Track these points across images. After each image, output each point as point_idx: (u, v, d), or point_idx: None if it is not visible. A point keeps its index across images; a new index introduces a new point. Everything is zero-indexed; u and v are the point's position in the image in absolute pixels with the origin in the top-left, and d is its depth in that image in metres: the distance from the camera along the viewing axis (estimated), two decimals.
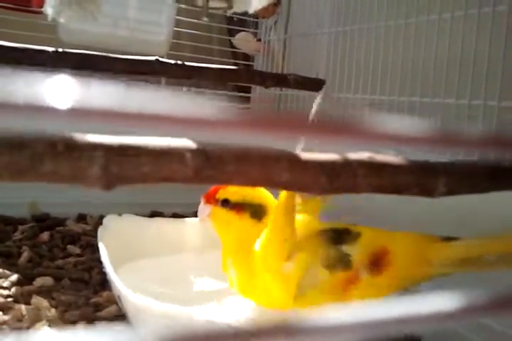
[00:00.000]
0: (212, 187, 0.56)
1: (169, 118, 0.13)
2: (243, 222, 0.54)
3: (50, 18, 0.71)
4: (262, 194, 0.55)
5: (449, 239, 0.48)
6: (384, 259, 0.48)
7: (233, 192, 0.55)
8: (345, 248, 0.48)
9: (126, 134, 0.22)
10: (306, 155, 0.26)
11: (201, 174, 0.23)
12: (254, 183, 0.25)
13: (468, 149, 0.16)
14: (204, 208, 0.56)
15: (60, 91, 0.13)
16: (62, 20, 0.71)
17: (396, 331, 0.15)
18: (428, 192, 0.30)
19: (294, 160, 0.26)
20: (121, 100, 0.13)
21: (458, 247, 0.47)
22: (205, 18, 0.89)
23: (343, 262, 0.48)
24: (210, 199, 0.55)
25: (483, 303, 0.15)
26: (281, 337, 0.13)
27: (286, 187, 0.26)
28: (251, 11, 0.86)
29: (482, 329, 0.55)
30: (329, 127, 0.14)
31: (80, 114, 0.13)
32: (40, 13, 0.76)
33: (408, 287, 0.48)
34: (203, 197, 0.56)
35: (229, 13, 0.93)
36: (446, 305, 0.15)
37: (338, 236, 0.49)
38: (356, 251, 0.48)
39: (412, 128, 0.15)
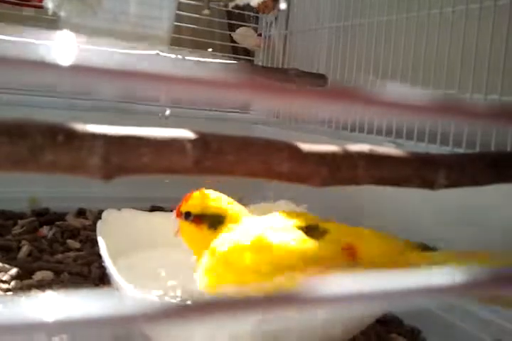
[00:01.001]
0: (182, 201, 0.57)
1: (171, 77, 0.13)
2: (202, 232, 0.55)
3: (50, 12, 0.71)
4: (221, 203, 0.57)
5: (426, 248, 0.48)
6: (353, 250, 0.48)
7: (194, 204, 0.56)
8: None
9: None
10: (307, 147, 0.26)
11: (201, 164, 0.23)
12: (254, 174, 0.24)
13: (473, 119, 0.16)
14: (175, 222, 0.58)
15: (62, 48, 0.13)
16: (62, 14, 0.71)
17: (400, 303, 0.15)
18: (429, 184, 0.30)
19: (294, 152, 0.26)
20: (123, 60, 0.13)
21: (433, 259, 0.46)
22: (206, 11, 0.89)
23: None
24: (178, 213, 0.57)
25: (484, 278, 0.15)
26: (285, 306, 0.13)
27: (286, 179, 0.25)
28: (253, 3, 0.85)
29: (481, 323, 0.55)
30: (333, 92, 0.14)
31: (82, 71, 0.13)
32: (41, 7, 0.76)
33: None
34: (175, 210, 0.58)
35: (230, 6, 0.92)
36: (449, 279, 0.15)
37: (307, 232, 0.50)
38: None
39: (417, 97, 0.15)
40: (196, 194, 0.58)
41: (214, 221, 0.55)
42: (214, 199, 0.57)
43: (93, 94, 0.93)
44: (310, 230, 0.50)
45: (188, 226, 0.56)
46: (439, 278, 0.15)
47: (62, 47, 0.13)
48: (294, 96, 0.14)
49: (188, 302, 0.12)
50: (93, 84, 0.14)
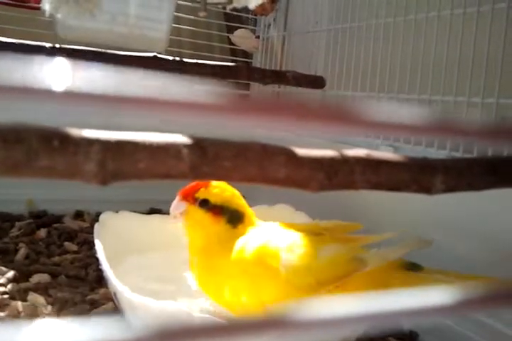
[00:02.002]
0: (191, 184, 0.54)
1: (166, 102, 0.13)
2: (218, 225, 0.53)
3: (47, 14, 0.71)
4: (241, 201, 0.55)
5: (413, 266, 0.49)
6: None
7: (214, 193, 0.53)
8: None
9: (122, 128, 0.22)
10: (303, 152, 0.26)
11: (197, 170, 0.23)
12: (251, 179, 0.24)
13: (467, 139, 0.16)
14: (179, 205, 0.54)
15: (57, 74, 0.13)
16: (59, 16, 0.71)
17: (391, 324, 0.14)
18: (426, 189, 0.30)
19: (291, 157, 0.25)
20: (118, 85, 0.13)
21: (420, 280, 0.47)
22: (203, 13, 0.88)
23: None
24: (188, 197, 0.54)
25: (479, 298, 0.15)
26: (274, 330, 0.13)
27: (283, 184, 0.25)
28: (251, 6, 0.85)
29: (478, 326, 0.55)
30: (327, 114, 0.14)
31: (75, 98, 0.12)
32: (38, 9, 0.76)
33: None
34: (179, 192, 0.54)
35: (228, 8, 0.92)
36: (442, 298, 0.15)
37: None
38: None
39: (411, 117, 0.15)
40: (216, 183, 0.54)
41: (234, 217, 0.53)
42: (235, 194, 0.54)
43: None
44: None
45: (201, 215, 0.53)
46: (433, 298, 0.15)
47: (56, 74, 0.13)
48: (282, 117, 0.14)
49: (173, 327, 0.12)
50: (86, 110, 0.14)
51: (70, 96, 0.12)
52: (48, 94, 0.12)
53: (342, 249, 0.48)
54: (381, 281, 0.47)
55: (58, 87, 0.13)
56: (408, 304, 0.14)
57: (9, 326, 0.12)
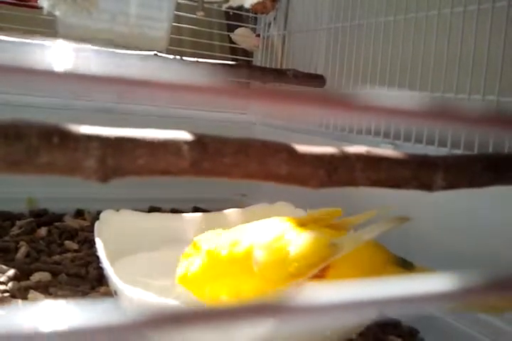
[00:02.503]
0: None
1: (165, 84, 0.13)
2: None
3: (45, 12, 0.71)
4: None
5: (405, 263, 0.49)
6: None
7: None
8: None
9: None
10: (304, 149, 0.26)
11: (198, 166, 0.23)
12: (251, 176, 0.24)
13: (468, 126, 0.16)
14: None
15: (58, 55, 0.13)
16: (57, 13, 0.71)
17: (392, 311, 0.14)
18: (426, 186, 0.30)
19: (292, 154, 0.25)
20: (119, 67, 0.13)
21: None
22: (201, 13, 0.88)
23: None
24: None
25: (480, 285, 0.15)
26: (268, 316, 0.13)
27: (284, 181, 0.25)
28: (246, 5, 0.85)
29: (478, 324, 0.55)
30: (326, 100, 0.14)
31: (76, 79, 0.12)
32: (39, 7, 0.76)
33: None
34: None
35: (224, 7, 0.92)
36: (442, 285, 0.15)
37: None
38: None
39: (411, 102, 0.15)
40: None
41: None
42: None
43: (88, 98, 0.93)
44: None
45: None
46: (434, 285, 0.15)
47: (58, 53, 0.13)
48: (287, 102, 0.14)
49: (175, 311, 0.12)
50: (88, 90, 0.14)
51: (70, 78, 0.12)
52: (49, 74, 0.12)
53: (314, 237, 0.48)
54: (370, 275, 0.47)
55: (59, 67, 0.12)
56: (405, 291, 0.14)
57: (9, 309, 0.12)
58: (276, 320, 0.13)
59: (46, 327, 0.12)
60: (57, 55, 0.13)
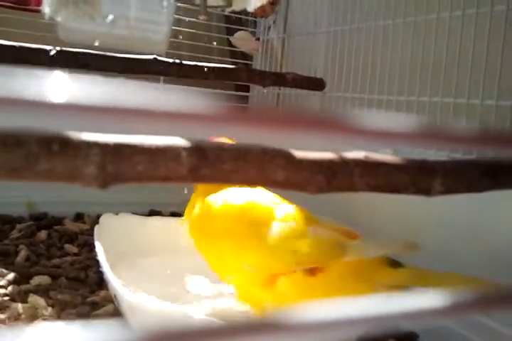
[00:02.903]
0: None
1: (166, 114, 0.13)
2: None
3: (47, 17, 0.71)
4: None
5: (395, 263, 0.49)
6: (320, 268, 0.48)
7: None
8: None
9: (123, 132, 0.22)
10: (302, 154, 0.26)
11: (197, 173, 0.23)
12: (250, 182, 0.24)
13: (464, 146, 0.16)
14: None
15: (56, 87, 0.13)
16: (59, 19, 0.71)
17: (387, 326, 0.15)
18: (425, 191, 0.30)
19: (290, 159, 0.26)
20: (117, 97, 0.13)
21: (401, 276, 0.48)
22: (203, 17, 0.89)
23: None
24: None
25: (475, 301, 0.15)
26: (270, 334, 0.13)
27: (282, 186, 0.25)
28: (250, 9, 0.85)
29: (478, 328, 0.55)
30: (323, 123, 0.14)
31: (75, 110, 0.13)
32: (39, 11, 0.76)
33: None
34: None
35: (227, 11, 0.92)
36: (438, 301, 0.15)
37: None
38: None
39: (407, 125, 0.15)
40: None
41: None
42: None
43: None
44: None
45: None
46: (424, 301, 0.15)
47: (54, 86, 0.13)
48: (273, 127, 0.14)
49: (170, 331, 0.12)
50: (82, 121, 0.14)
51: (68, 108, 0.12)
52: (46, 106, 0.12)
53: (330, 234, 0.49)
54: (361, 273, 0.48)
55: (56, 98, 0.13)
56: (403, 306, 0.14)
57: (10, 330, 0.12)
58: (278, 338, 0.13)
59: None
60: (54, 85, 0.13)
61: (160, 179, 0.23)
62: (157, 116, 0.13)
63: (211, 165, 0.23)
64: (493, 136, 0.15)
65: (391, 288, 0.47)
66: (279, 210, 0.50)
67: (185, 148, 0.23)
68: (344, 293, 0.47)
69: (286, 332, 0.13)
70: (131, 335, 0.12)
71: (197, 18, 0.97)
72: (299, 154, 0.26)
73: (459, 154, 0.63)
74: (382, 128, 0.14)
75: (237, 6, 0.87)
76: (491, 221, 0.59)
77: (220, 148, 0.24)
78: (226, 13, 1.09)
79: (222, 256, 0.51)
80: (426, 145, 0.16)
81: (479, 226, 0.60)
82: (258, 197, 0.51)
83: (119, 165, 0.22)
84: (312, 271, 0.48)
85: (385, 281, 0.47)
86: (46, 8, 0.69)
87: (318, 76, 0.96)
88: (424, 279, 0.47)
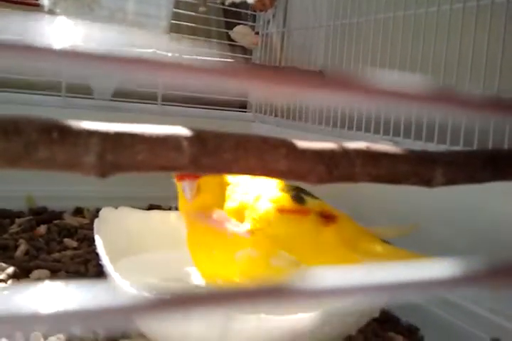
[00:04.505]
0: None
1: (167, 63, 0.13)
2: None
3: (46, 9, 0.71)
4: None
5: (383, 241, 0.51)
6: (332, 217, 0.51)
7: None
8: (304, 196, 0.53)
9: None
10: (304, 144, 0.26)
11: (198, 162, 0.23)
12: (251, 172, 0.24)
13: (469, 110, 0.16)
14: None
15: (59, 32, 0.13)
16: (58, 11, 0.70)
17: (397, 296, 0.14)
18: (426, 182, 0.30)
19: (291, 149, 0.25)
20: (119, 45, 0.13)
21: (384, 250, 0.50)
22: (203, 8, 0.88)
23: (299, 198, 0.53)
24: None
25: (484, 272, 0.15)
26: (275, 298, 0.13)
27: (283, 176, 0.25)
28: (250, 0, 0.85)
29: (479, 321, 0.55)
30: (331, 82, 0.14)
31: (77, 56, 0.12)
32: (38, 5, 0.76)
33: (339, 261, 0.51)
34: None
35: (227, 3, 0.92)
36: (449, 271, 0.15)
37: (301, 190, 0.54)
38: (311, 201, 0.53)
39: (415, 85, 0.15)
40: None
41: None
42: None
43: (91, 91, 0.93)
44: (305, 191, 0.54)
45: None
46: (438, 271, 0.15)
47: (58, 32, 0.13)
48: (291, 85, 0.14)
49: (176, 294, 0.12)
50: (90, 70, 0.14)
51: (72, 55, 0.12)
52: (49, 52, 0.12)
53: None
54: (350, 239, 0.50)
55: (60, 44, 0.12)
56: (411, 277, 0.14)
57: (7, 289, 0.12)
58: (284, 304, 0.13)
59: (45, 308, 0.12)
60: (58, 31, 0.13)
61: (160, 168, 0.23)
62: (158, 65, 0.13)
63: (212, 154, 0.23)
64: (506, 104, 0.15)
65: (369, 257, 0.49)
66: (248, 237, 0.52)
67: (186, 138, 0.23)
68: (342, 242, 0.50)
69: (295, 296, 0.13)
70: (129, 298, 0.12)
71: (196, 12, 0.96)
72: (301, 144, 0.26)
73: (459, 147, 0.63)
74: (397, 88, 0.14)
75: None
76: (490, 206, 0.59)
77: (221, 137, 0.24)
78: (225, 7, 1.09)
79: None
80: (441, 108, 0.16)
81: (481, 216, 0.60)
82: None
83: (119, 154, 0.22)
84: (326, 219, 0.51)
85: (367, 250, 0.49)
86: (45, 1, 0.69)
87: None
88: (405, 258, 0.48)
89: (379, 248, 0.50)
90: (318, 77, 0.14)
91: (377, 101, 0.15)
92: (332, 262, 0.50)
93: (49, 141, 0.20)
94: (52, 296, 0.12)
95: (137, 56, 0.13)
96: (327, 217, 0.51)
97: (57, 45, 0.12)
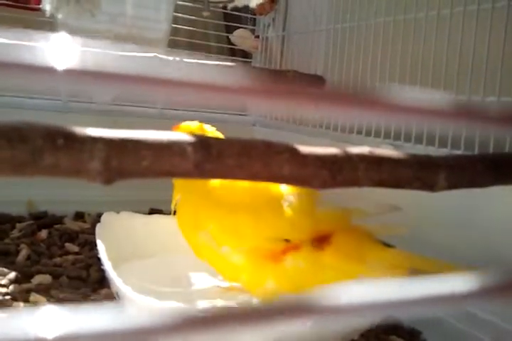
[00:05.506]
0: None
1: (170, 81, 0.13)
2: None
3: (48, 14, 0.71)
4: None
5: (386, 245, 0.50)
6: (326, 238, 0.50)
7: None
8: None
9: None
10: (307, 150, 0.26)
11: (202, 168, 0.23)
12: (255, 177, 0.24)
13: (487, 124, 0.16)
14: None
15: (61, 51, 0.13)
16: (60, 16, 0.71)
17: (407, 312, 0.14)
18: (429, 186, 0.30)
19: (295, 154, 0.25)
20: (122, 63, 0.13)
21: (391, 255, 0.49)
22: (207, 13, 0.89)
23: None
24: None
25: (496, 286, 0.15)
26: (296, 317, 0.13)
27: (287, 181, 0.25)
28: (252, 4, 0.85)
29: (481, 324, 0.55)
30: (345, 97, 0.14)
31: (80, 75, 0.12)
32: (39, 9, 0.76)
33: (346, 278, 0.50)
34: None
35: (229, 7, 0.92)
36: (460, 287, 0.15)
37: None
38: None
39: (430, 101, 0.15)
40: (194, 127, 0.57)
41: None
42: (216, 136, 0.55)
43: (91, 97, 0.93)
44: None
45: None
46: (452, 286, 0.15)
47: (59, 50, 0.13)
48: (295, 100, 0.14)
49: (199, 312, 0.12)
50: (91, 87, 0.14)
51: (75, 75, 0.12)
52: (51, 71, 0.12)
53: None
54: (358, 250, 0.49)
55: (62, 64, 0.12)
56: (426, 291, 0.14)
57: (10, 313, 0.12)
58: (307, 321, 0.13)
59: (49, 332, 0.12)
60: (58, 50, 0.13)
61: (165, 174, 0.23)
62: (161, 83, 0.13)
63: (216, 160, 0.23)
64: None
65: (387, 268, 0.48)
66: (285, 187, 0.51)
67: (190, 143, 0.23)
68: (347, 270, 0.49)
69: (312, 314, 0.13)
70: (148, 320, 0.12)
71: (197, 16, 0.97)
72: (304, 149, 0.26)
73: (460, 151, 0.63)
74: (418, 105, 0.14)
75: (239, 2, 0.87)
76: (489, 210, 0.59)
77: (225, 143, 0.24)
78: (225, 11, 1.09)
79: (236, 230, 0.50)
80: (460, 124, 0.16)
81: (480, 219, 0.60)
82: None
83: (124, 161, 0.22)
84: (320, 243, 0.49)
85: (374, 258, 0.49)
86: (47, 6, 0.69)
87: (319, 74, 0.96)
88: (414, 261, 0.48)
89: (384, 254, 0.49)
90: (324, 92, 0.14)
91: (385, 117, 0.15)
92: (342, 280, 0.49)
93: (54, 148, 0.20)
94: (60, 318, 0.12)
95: (137, 74, 0.13)
96: (321, 241, 0.49)
97: (57, 63, 0.13)
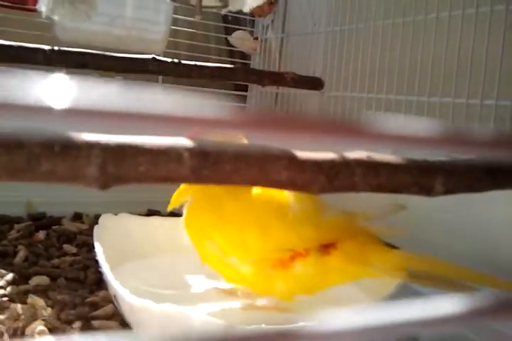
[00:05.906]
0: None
1: (167, 117, 0.13)
2: None
3: (44, 16, 0.71)
4: None
5: (390, 246, 0.50)
6: (334, 243, 0.50)
7: None
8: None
9: (125, 133, 0.22)
10: (304, 155, 0.26)
11: (198, 173, 0.23)
12: (252, 183, 0.24)
13: (478, 151, 0.16)
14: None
15: (56, 90, 0.13)
16: (55, 17, 0.71)
17: (401, 334, 0.14)
18: (426, 191, 0.30)
19: (292, 160, 0.25)
20: (117, 100, 0.13)
21: (396, 256, 0.49)
22: (198, 17, 0.89)
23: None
24: None
25: (489, 306, 0.15)
26: None
27: (284, 187, 0.25)
28: (245, 9, 0.85)
29: (479, 328, 0.55)
30: (332, 127, 0.14)
31: (76, 114, 0.12)
32: (36, 10, 0.76)
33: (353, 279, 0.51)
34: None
35: (223, 11, 0.92)
36: (452, 307, 0.15)
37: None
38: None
39: (417, 128, 0.15)
40: None
41: None
42: None
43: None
44: None
45: None
46: (446, 307, 0.15)
47: (54, 90, 0.13)
48: (292, 131, 0.14)
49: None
50: (87, 126, 0.14)
51: (70, 113, 0.12)
52: (48, 111, 0.12)
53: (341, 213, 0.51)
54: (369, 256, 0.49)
55: (58, 103, 0.12)
56: (418, 314, 0.14)
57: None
58: None
59: None
60: (53, 88, 0.13)
61: (162, 180, 0.23)
62: (159, 120, 0.13)
63: (213, 165, 0.23)
64: None
65: (392, 269, 0.48)
66: (289, 194, 0.51)
67: (186, 149, 0.23)
68: (353, 272, 0.49)
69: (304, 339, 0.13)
70: None
71: (193, 18, 0.97)
72: (301, 154, 0.26)
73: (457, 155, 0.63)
74: (401, 133, 0.14)
75: (233, 7, 0.87)
76: (489, 214, 0.59)
77: (222, 149, 0.24)
78: (224, 13, 1.09)
79: (242, 243, 0.50)
80: (448, 150, 0.16)
81: (479, 222, 0.60)
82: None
83: (120, 166, 0.22)
84: (327, 248, 0.49)
85: (379, 259, 0.49)
86: (43, 7, 0.69)
87: (317, 76, 0.96)
88: (420, 263, 0.48)
89: (388, 256, 0.49)
90: (319, 123, 0.14)
91: (383, 146, 0.15)
92: (348, 282, 0.50)
93: (51, 155, 0.20)
94: None
95: (135, 111, 0.13)
96: (327, 246, 0.50)
97: (54, 102, 0.13)
